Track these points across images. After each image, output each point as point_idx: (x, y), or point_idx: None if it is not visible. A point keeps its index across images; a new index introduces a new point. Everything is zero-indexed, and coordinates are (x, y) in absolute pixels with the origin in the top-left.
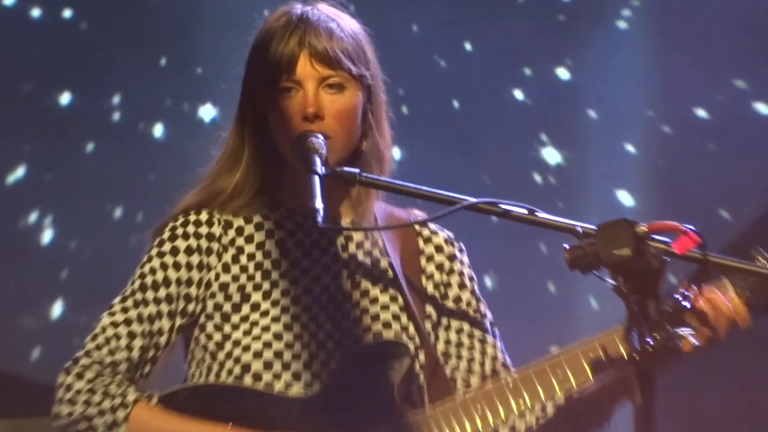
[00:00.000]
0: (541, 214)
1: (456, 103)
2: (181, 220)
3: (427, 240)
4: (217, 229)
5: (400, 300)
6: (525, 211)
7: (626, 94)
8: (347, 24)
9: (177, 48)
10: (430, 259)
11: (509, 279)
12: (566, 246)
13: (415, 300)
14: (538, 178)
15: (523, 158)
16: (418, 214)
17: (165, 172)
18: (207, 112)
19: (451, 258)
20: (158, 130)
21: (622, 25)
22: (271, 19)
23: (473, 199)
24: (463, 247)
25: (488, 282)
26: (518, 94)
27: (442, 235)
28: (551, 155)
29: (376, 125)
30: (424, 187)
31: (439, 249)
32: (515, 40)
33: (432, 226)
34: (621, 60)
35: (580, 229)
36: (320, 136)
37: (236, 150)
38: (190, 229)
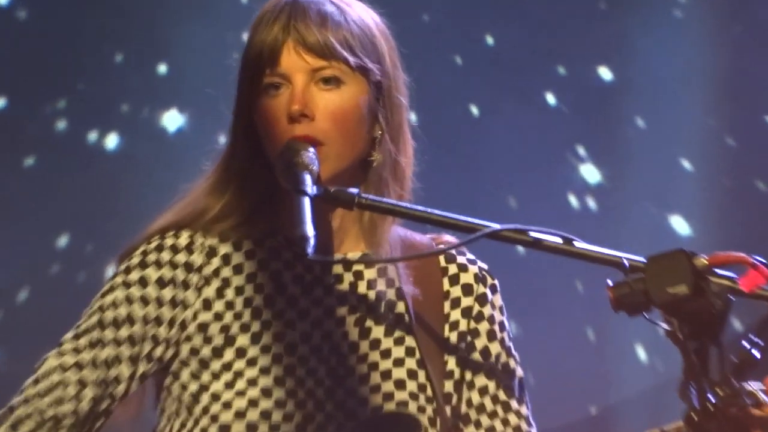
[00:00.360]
0: (579, 244)
1: (475, 110)
2: (154, 243)
3: (454, 279)
4: (198, 257)
5: (418, 354)
6: (559, 240)
7: (682, 98)
8: (355, 11)
9: (136, 41)
10: (456, 304)
11: (538, 323)
12: (609, 282)
13: (436, 354)
14: (574, 200)
15: (556, 176)
16: (449, 240)
17: (121, 193)
18: (172, 119)
19: (482, 300)
20: (112, 141)
21: (677, 14)
22: (266, 4)
23: (496, 226)
24: (497, 285)
25: (513, 327)
26: (550, 99)
27: (473, 270)
28: (590, 172)
29: (390, 133)
30: (436, 211)
31: (467, 290)
32: (546, 33)
33: (461, 258)
34: (676, 57)
35: (626, 262)
36: (311, 149)
37: (228, 164)
38: (165, 255)
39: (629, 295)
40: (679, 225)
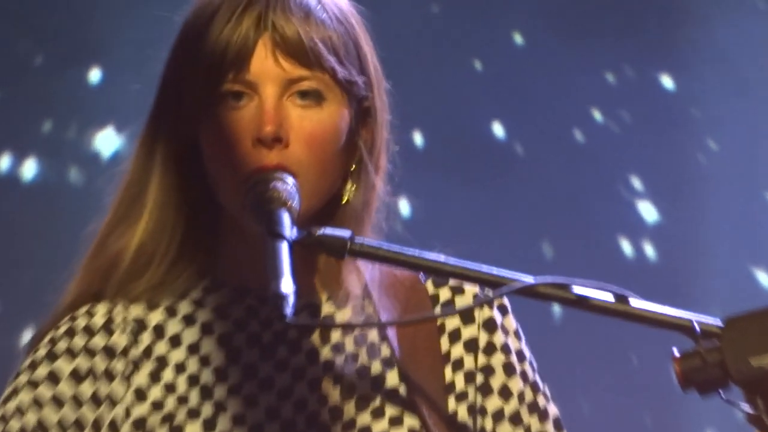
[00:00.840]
0: (636, 302)
1: (499, 129)
2: (63, 327)
3: (447, 306)
4: (120, 338)
5: (416, 408)
6: (611, 298)
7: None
8: (331, 2)
9: (62, 39)
10: (455, 337)
11: (581, 406)
12: (675, 353)
13: (438, 407)
14: (627, 246)
15: (604, 214)
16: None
17: (41, 235)
18: (107, 141)
19: (490, 326)
20: (29, 169)
21: (762, 5)
22: None
23: (529, 279)
24: (507, 305)
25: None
26: (596, 114)
27: (471, 290)
28: (648, 211)
29: (371, 162)
30: (452, 260)
31: (468, 317)
32: (587, 29)
33: (454, 281)
34: (759, 60)
35: (696, 326)
36: (289, 179)
37: (137, 189)
38: (78, 341)
39: (701, 368)
40: (765, 278)
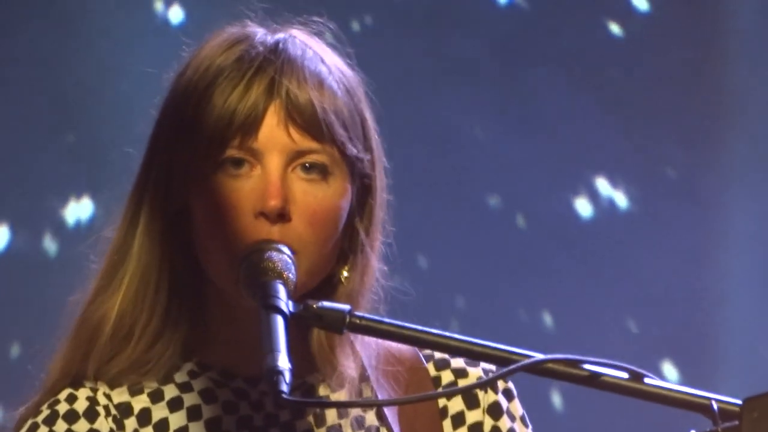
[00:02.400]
0: (652, 381)
1: (493, 202)
2: (44, 413)
3: (450, 388)
4: (103, 425)
5: None
6: (624, 376)
7: None
8: (335, 66)
9: (38, 96)
10: (459, 422)
11: None
12: None
13: None
14: (632, 324)
15: (605, 286)
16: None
17: (13, 303)
18: (81, 210)
19: (495, 411)
20: (2, 236)
21: None
22: (211, 46)
23: (539, 356)
24: (513, 390)
25: None
26: (601, 185)
27: (475, 373)
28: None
29: (366, 244)
30: (456, 336)
31: (472, 401)
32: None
33: (456, 362)
34: None
35: (715, 405)
36: (285, 249)
37: (118, 256)
38: (59, 428)
39: None
40: None
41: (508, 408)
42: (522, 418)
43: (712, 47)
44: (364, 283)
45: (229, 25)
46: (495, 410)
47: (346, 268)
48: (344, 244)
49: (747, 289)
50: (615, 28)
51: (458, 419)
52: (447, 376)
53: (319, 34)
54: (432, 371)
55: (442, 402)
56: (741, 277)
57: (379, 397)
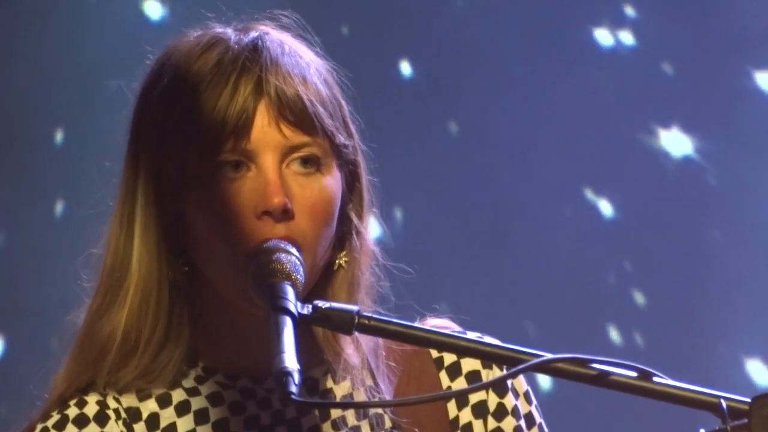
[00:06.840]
0: (660, 380)
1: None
2: (53, 419)
3: (454, 370)
4: (114, 428)
5: None
6: (633, 374)
7: None
8: (311, 58)
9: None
10: (462, 402)
11: None
12: None
13: None
14: (615, 333)
15: (592, 298)
16: (442, 323)
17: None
18: (69, 209)
19: (499, 388)
20: None
21: None
22: (181, 52)
23: (548, 355)
24: (527, 388)
25: None
26: (595, 200)
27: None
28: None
29: (360, 227)
30: (465, 336)
31: (475, 380)
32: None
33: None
34: None
35: (723, 404)
36: (293, 250)
37: (119, 273)
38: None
39: None
40: (757, 372)
41: (512, 385)
42: (526, 395)
43: None
44: (362, 265)
45: (190, 29)
46: (499, 388)
47: (344, 254)
48: (339, 231)
49: None
50: None
51: (462, 399)
52: (450, 356)
53: (286, 28)
54: (434, 353)
55: (445, 383)
56: None
57: (381, 384)
